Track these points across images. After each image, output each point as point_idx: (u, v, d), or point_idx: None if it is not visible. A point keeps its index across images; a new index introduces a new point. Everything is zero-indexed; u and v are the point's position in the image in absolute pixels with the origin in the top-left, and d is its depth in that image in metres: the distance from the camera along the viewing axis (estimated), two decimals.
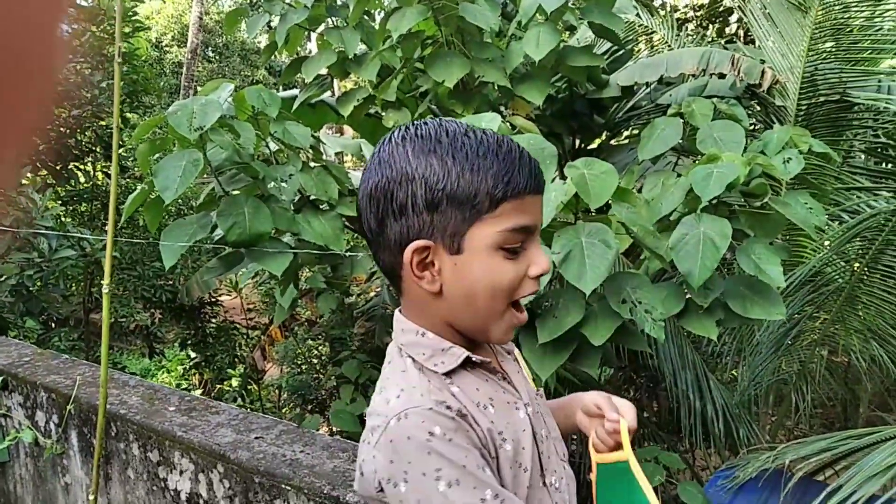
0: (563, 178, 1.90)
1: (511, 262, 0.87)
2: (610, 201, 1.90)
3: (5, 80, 0.25)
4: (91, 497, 2.44)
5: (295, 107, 3.18)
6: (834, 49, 3.71)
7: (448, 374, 0.91)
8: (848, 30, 3.73)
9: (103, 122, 5.11)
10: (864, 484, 2.02)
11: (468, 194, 0.85)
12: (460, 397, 0.89)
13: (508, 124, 2.33)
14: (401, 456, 0.82)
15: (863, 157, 3.98)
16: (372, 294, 5.22)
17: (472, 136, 0.89)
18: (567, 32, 3.73)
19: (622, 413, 1.06)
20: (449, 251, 0.88)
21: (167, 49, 19.18)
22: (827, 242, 3.66)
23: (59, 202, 4.95)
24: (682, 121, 2.43)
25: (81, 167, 5.37)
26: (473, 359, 0.92)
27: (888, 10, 3.73)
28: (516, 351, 1.14)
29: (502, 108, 3.14)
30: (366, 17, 3.19)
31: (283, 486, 1.96)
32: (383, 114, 3.14)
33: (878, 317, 3.51)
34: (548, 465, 0.97)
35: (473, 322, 0.91)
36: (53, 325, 5.16)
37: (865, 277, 3.46)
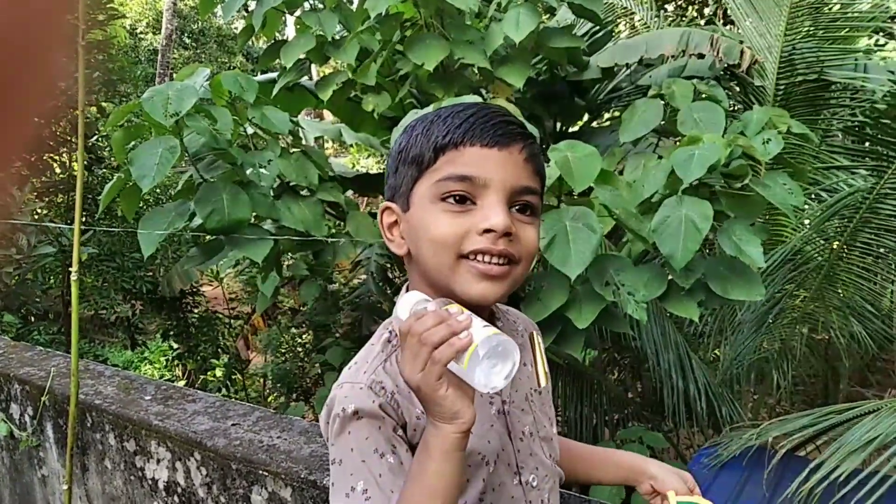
0: (546, 160, 1.89)
1: (453, 215, 0.89)
2: (592, 184, 1.90)
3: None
4: (65, 487, 2.42)
5: (274, 92, 3.14)
6: (812, 28, 3.72)
7: None
8: (826, 8, 3.74)
9: (77, 112, 5.01)
10: (845, 459, 2.05)
11: (416, 153, 0.92)
12: None
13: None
14: (327, 419, 0.93)
15: (840, 135, 4.00)
16: (356, 282, 5.21)
17: (448, 109, 0.94)
18: (547, 14, 3.71)
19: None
20: (403, 209, 0.95)
21: (142, 36, 18.88)
22: (806, 221, 3.69)
23: (35, 194, 4.87)
24: (662, 102, 2.43)
25: (57, 158, 5.28)
26: None
27: None
28: (536, 342, 1.13)
29: (483, 91, 3.12)
30: None
31: (260, 471, 1.96)
32: (363, 97, 3.11)
33: (856, 293, 3.56)
34: (525, 462, 0.98)
35: (434, 280, 0.92)
36: (32, 318, 5.10)
37: (844, 255, 3.50)
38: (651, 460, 1.17)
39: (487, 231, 0.87)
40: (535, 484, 0.98)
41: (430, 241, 0.90)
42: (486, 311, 1.01)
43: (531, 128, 1.92)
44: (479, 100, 1.90)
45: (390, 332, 0.99)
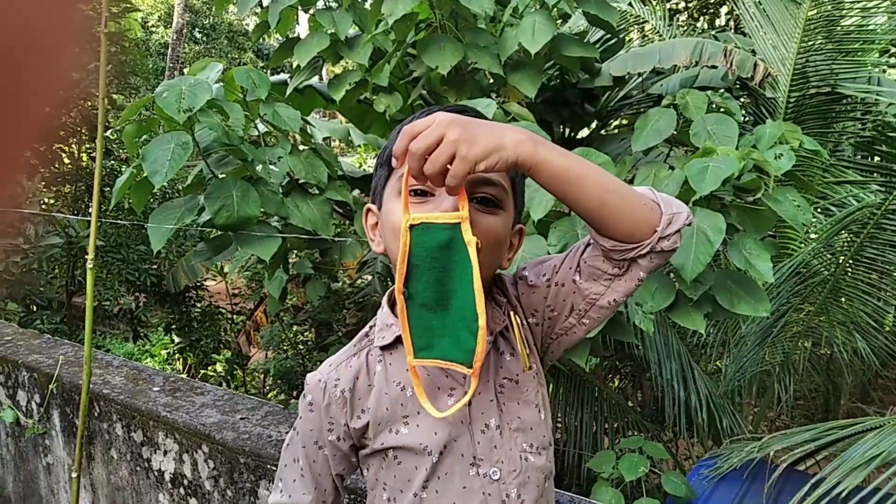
0: None
1: (411, 206, 0.91)
2: None
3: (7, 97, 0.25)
4: (74, 475, 2.42)
5: (288, 92, 3.14)
6: (825, 42, 3.72)
7: (386, 347, 1.02)
8: (842, 22, 3.74)
9: (89, 104, 5.02)
10: (847, 475, 2.04)
11: (387, 155, 0.99)
12: (371, 375, 1.02)
13: (502, 111, 2.32)
14: None
15: (851, 150, 4.00)
16: (361, 282, 5.20)
17: (420, 112, 0.98)
18: (560, 19, 3.71)
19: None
20: (378, 208, 1.01)
21: (153, 30, 18.91)
22: (813, 235, 3.69)
23: (43, 184, 4.88)
24: (675, 112, 2.42)
25: (66, 149, 5.29)
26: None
27: (880, 4, 3.74)
28: (516, 324, 1.05)
29: (493, 95, 3.12)
30: None
31: (268, 466, 1.96)
32: (374, 98, 3.11)
33: (861, 309, 3.55)
34: (486, 455, 0.98)
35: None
36: (35, 307, 5.10)
37: (850, 270, 3.49)
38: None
39: None
40: (496, 477, 0.98)
41: (392, 232, 0.93)
42: None
43: (543, 135, 1.92)
44: (493, 105, 1.89)
45: (371, 327, 1.07)
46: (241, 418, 2.19)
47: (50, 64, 0.25)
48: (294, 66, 3.20)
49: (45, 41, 0.25)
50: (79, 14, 0.27)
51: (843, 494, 2.02)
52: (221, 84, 2.34)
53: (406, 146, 0.83)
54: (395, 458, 0.99)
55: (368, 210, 1.05)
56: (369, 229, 1.05)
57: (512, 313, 1.05)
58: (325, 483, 1.07)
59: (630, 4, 4.74)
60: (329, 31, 2.92)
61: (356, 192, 3.21)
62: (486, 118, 0.99)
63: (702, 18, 7.84)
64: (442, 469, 0.97)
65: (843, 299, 3.59)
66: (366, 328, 1.08)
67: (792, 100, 3.75)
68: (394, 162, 0.92)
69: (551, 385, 3.77)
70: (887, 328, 3.72)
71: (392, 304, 1.05)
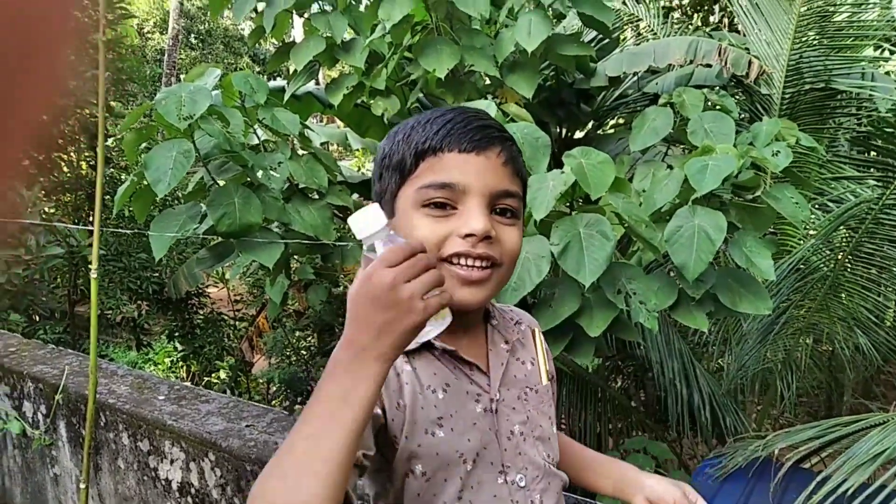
0: (559, 167, 1.90)
1: (434, 220, 0.91)
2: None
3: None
4: (82, 486, 2.42)
5: (286, 97, 3.15)
6: (819, 37, 3.73)
7: (409, 352, 0.96)
8: (833, 17, 3.75)
9: (87, 112, 5.03)
10: (853, 473, 2.04)
11: (398, 160, 0.94)
12: (399, 373, 0.94)
13: (501, 111, 2.32)
14: None
15: (847, 145, 4.01)
16: None
17: (428, 114, 0.96)
18: (555, 19, 3.71)
19: None
20: (388, 215, 0.94)
21: (149, 36, 18.92)
22: (812, 231, 3.69)
23: (43, 193, 4.88)
24: (672, 111, 2.43)
25: (65, 157, 5.29)
26: (436, 344, 0.96)
27: None
28: (538, 339, 1.14)
29: (489, 96, 3.12)
30: (353, 1, 3.16)
31: None
32: (371, 102, 3.11)
33: (861, 304, 3.55)
34: (513, 461, 0.98)
35: None
36: (38, 318, 5.10)
37: (849, 266, 3.49)
38: (648, 474, 1.16)
39: (468, 235, 0.90)
40: (522, 484, 0.98)
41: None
42: (479, 312, 1.04)
43: (543, 137, 1.93)
44: (493, 106, 1.91)
45: None
46: (247, 425, 2.19)
47: (43, 69, 0.25)
48: (290, 71, 3.21)
49: (38, 45, 0.25)
50: (73, 20, 0.26)
51: (850, 492, 2.02)
52: (220, 90, 2.35)
53: None
54: (424, 474, 0.93)
55: None
56: None
57: (536, 329, 1.14)
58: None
59: (624, 3, 4.75)
60: (325, 35, 2.93)
61: (356, 196, 3.21)
62: (490, 117, 0.99)
63: (696, 16, 7.85)
64: (475, 478, 0.95)
65: (843, 295, 3.59)
66: None
67: (787, 96, 3.76)
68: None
69: None
70: (888, 323, 3.72)
71: None
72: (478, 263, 0.91)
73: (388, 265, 0.76)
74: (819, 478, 2.12)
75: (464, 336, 1.01)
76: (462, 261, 0.91)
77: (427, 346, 0.96)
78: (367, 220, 0.81)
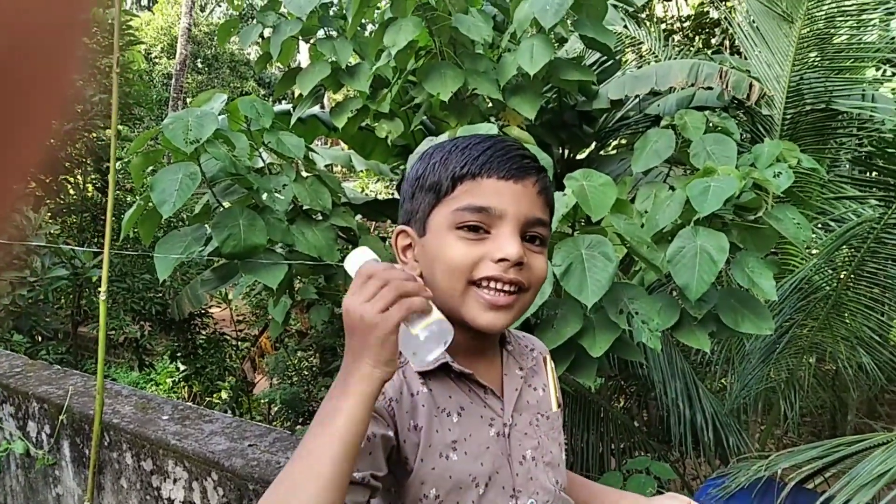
0: (560, 188, 1.92)
1: (468, 243, 0.93)
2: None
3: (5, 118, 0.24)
4: None
5: (293, 121, 3.19)
6: (819, 58, 3.76)
7: (426, 373, 0.97)
8: (834, 39, 3.78)
9: (94, 135, 5.08)
10: (856, 493, 2.04)
11: (434, 181, 0.96)
12: (415, 394, 0.96)
13: (503, 134, 2.35)
14: None
15: (848, 165, 4.03)
16: None
17: (466, 140, 0.98)
18: (556, 42, 3.76)
19: None
20: (419, 234, 0.99)
21: (156, 61, 19.13)
22: (814, 251, 3.70)
23: (49, 215, 4.92)
24: (674, 133, 2.46)
25: (71, 180, 5.34)
26: (453, 367, 0.97)
27: (872, 20, 3.80)
28: (549, 366, 1.16)
29: (492, 119, 3.16)
30: (357, 27, 3.21)
31: None
32: (375, 125, 3.15)
33: (864, 324, 3.55)
34: (524, 486, 0.99)
35: (443, 303, 0.93)
36: (40, 338, 5.12)
37: (852, 285, 3.50)
38: (657, 499, 1.16)
39: (501, 260, 0.92)
40: None
41: (445, 265, 0.94)
42: (497, 336, 1.05)
43: (545, 158, 1.95)
44: (495, 129, 1.94)
45: None
46: (250, 445, 2.20)
47: (46, 93, 0.25)
48: (296, 95, 3.25)
49: (40, 70, 0.25)
50: (78, 42, 0.26)
51: None
52: (226, 114, 2.39)
53: None
54: (437, 497, 0.93)
55: (402, 232, 1.02)
56: (400, 251, 1.02)
57: (547, 357, 1.16)
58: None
59: (625, 27, 4.80)
60: (330, 60, 2.98)
61: (359, 217, 3.24)
62: (526, 148, 1.01)
63: (697, 38, 7.92)
64: (487, 501, 0.95)
65: (845, 314, 3.59)
66: None
67: (788, 117, 3.79)
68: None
69: None
70: (891, 343, 3.71)
71: None
72: (506, 288, 0.93)
73: (350, 294, 0.82)
74: (822, 498, 2.11)
75: (481, 359, 1.03)
76: (492, 284, 0.93)
77: (444, 369, 0.97)
78: (357, 260, 0.88)
